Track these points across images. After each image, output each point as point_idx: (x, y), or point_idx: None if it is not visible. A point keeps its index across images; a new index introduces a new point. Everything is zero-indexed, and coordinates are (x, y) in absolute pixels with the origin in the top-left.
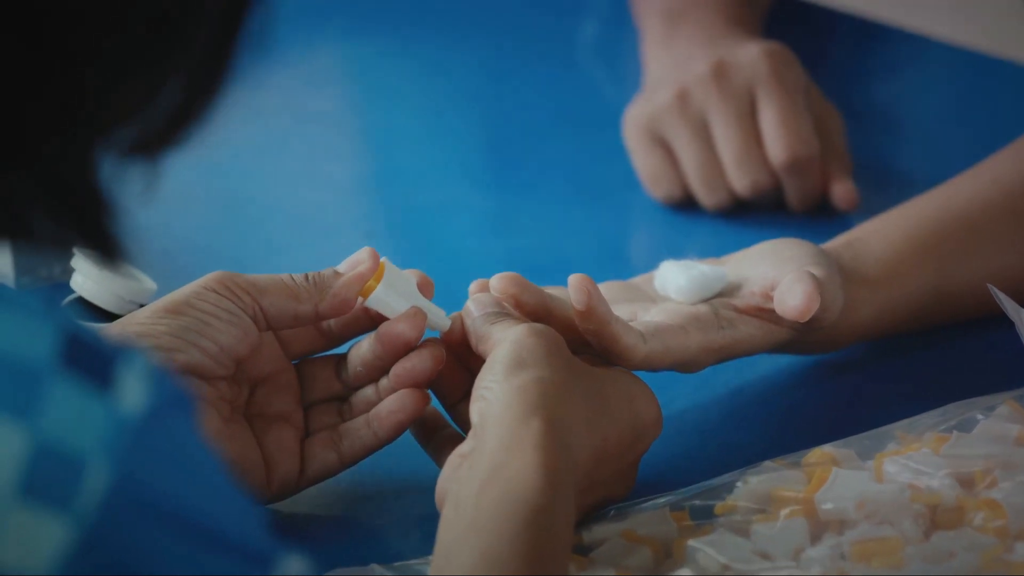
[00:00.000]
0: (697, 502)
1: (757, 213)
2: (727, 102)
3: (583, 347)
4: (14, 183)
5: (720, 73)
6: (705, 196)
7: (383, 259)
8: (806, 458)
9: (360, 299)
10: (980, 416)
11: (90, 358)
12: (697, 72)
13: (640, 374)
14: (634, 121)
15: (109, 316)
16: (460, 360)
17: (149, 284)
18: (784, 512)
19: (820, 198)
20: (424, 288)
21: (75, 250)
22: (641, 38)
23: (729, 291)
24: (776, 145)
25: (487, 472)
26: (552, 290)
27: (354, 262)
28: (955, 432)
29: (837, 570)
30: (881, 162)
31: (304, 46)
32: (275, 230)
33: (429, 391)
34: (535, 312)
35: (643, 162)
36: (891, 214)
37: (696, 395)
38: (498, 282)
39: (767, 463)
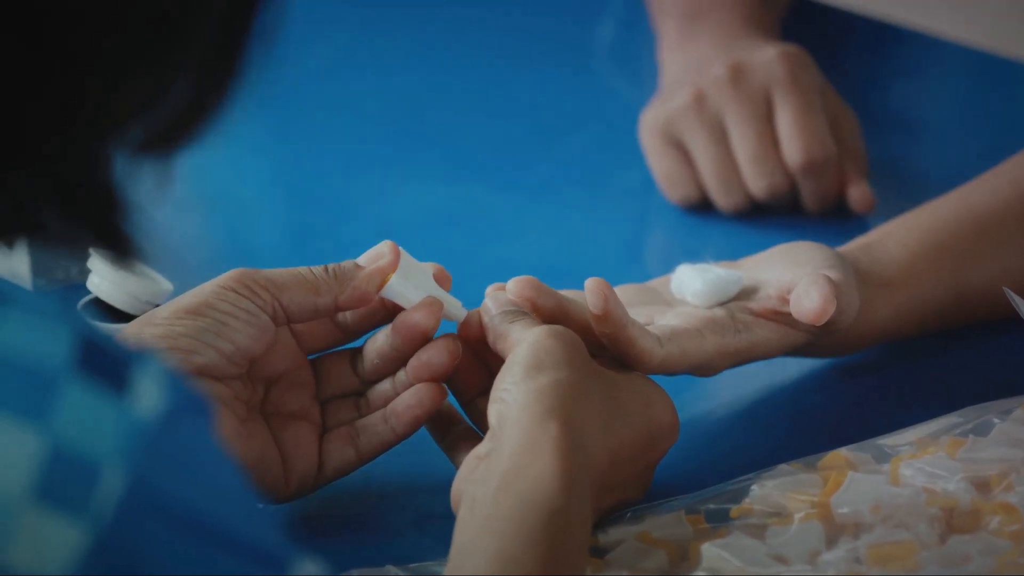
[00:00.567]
0: (713, 505)
1: (773, 215)
2: (743, 104)
3: (599, 350)
4: (27, 182)
5: (737, 75)
6: (721, 198)
7: (401, 250)
8: (822, 461)
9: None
10: (996, 420)
11: (105, 361)
12: (714, 74)
13: (656, 378)
14: (650, 123)
15: (126, 317)
16: (477, 356)
17: (165, 285)
18: (799, 515)
19: (836, 200)
20: (441, 280)
21: (91, 250)
22: (658, 40)
23: (745, 294)
24: (792, 147)
25: (504, 475)
26: (569, 293)
27: (375, 255)
28: (971, 436)
29: (853, 573)
30: (897, 164)
31: (316, 44)
32: (288, 228)
33: (446, 386)
34: (552, 316)
35: (659, 164)
36: (908, 217)
37: (711, 398)
38: (514, 286)
39: (783, 466)
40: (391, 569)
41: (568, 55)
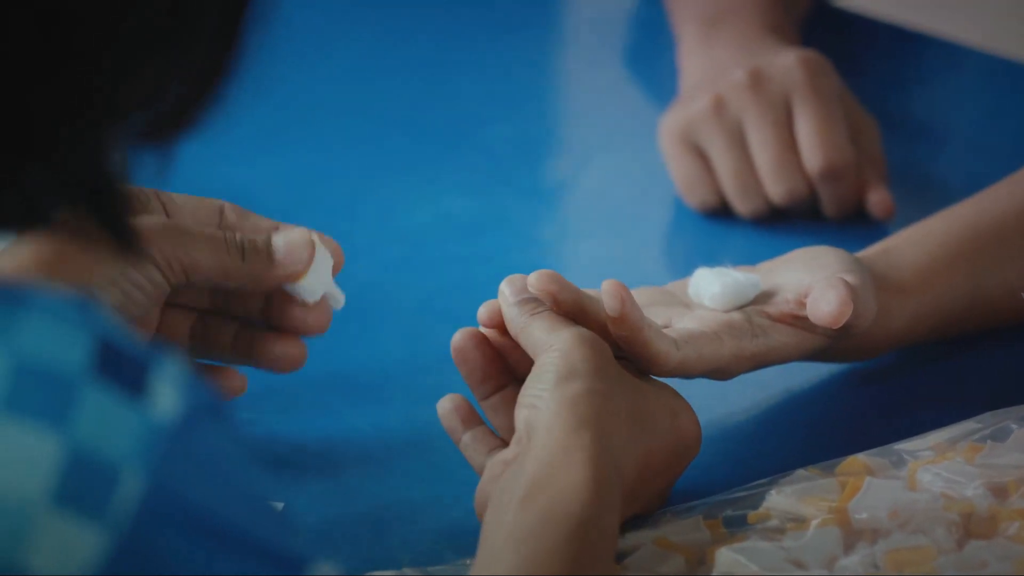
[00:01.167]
0: (730, 510)
1: (792, 221)
2: (763, 110)
3: (616, 351)
4: (30, 172)
5: (756, 81)
6: (740, 203)
7: (315, 241)
8: (840, 467)
9: None
10: (1014, 425)
11: (123, 365)
12: (733, 79)
13: (672, 381)
14: (670, 128)
15: None
16: (497, 352)
17: None
18: (817, 521)
19: (856, 206)
20: (337, 261)
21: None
22: (677, 44)
23: (763, 298)
24: (812, 153)
25: (533, 481)
26: (587, 293)
27: (290, 248)
28: (989, 441)
29: None
30: (917, 170)
31: (339, 47)
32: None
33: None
34: (571, 311)
35: (678, 169)
36: (926, 222)
37: (728, 403)
38: (536, 279)
39: (800, 471)
40: (408, 571)
41: (594, 58)
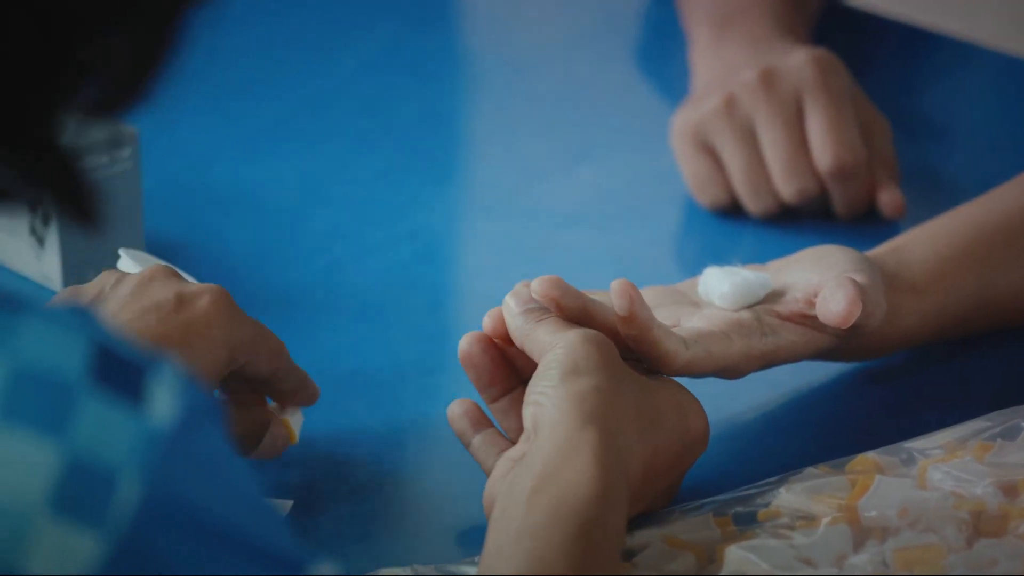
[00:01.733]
0: (740, 508)
1: (803, 220)
2: (774, 109)
3: (625, 352)
4: None
5: (768, 80)
6: (751, 203)
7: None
8: (849, 465)
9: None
10: None
11: (121, 372)
12: (745, 79)
13: (681, 380)
14: (681, 127)
15: None
16: (504, 356)
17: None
18: (827, 519)
19: (867, 205)
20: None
21: (120, 252)
22: (689, 44)
23: (772, 297)
24: (823, 152)
25: (540, 477)
26: (594, 294)
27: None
28: (999, 440)
29: None
30: (928, 169)
31: (352, 46)
32: (313, 230)
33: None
34: (576, 316)
35: (690, 168)
36: (936, 221)
37: (738, 401)
38: (539, 285)
39: (810, 469)
40: (417, 568)
41: (604, 56)
